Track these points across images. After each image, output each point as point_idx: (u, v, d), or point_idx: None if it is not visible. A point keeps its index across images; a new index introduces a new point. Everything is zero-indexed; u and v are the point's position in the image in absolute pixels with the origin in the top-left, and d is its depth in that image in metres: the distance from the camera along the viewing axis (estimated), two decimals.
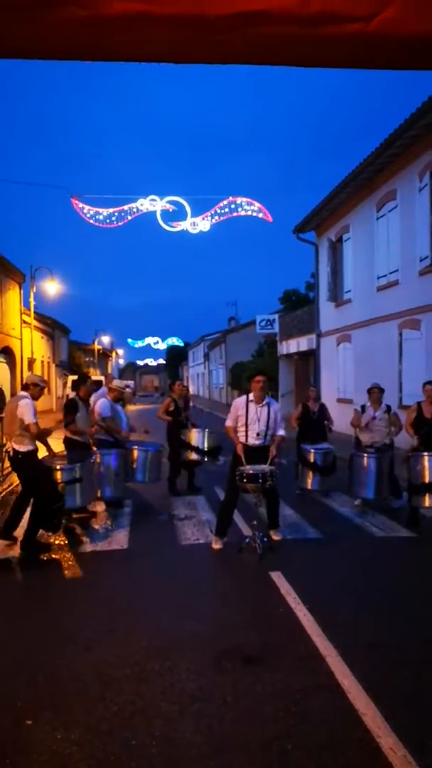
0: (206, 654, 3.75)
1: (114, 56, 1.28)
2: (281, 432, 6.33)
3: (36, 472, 6.19)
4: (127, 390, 10.79)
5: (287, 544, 6.24)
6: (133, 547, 6.29)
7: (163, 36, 1.20)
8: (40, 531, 6.12)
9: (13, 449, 6.09)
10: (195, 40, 1.22)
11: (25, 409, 6.03)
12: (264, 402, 6.23)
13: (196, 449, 8.50)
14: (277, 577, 5.14)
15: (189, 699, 3.22)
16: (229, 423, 6.36)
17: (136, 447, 7.83)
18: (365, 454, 7.63)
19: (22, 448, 6.05)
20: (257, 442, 6.16)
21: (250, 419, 6.17)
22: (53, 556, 5.96)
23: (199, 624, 4.24)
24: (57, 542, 6.36)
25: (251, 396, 6.25)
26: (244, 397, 6.36)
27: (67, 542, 6.40)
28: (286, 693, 3.25)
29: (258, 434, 6.16)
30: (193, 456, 8.59)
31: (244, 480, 5.82)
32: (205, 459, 8.62)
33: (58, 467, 6.38)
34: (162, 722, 3.00)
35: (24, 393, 6.33)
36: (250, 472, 5.83)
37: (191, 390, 10.51)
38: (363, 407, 8.19)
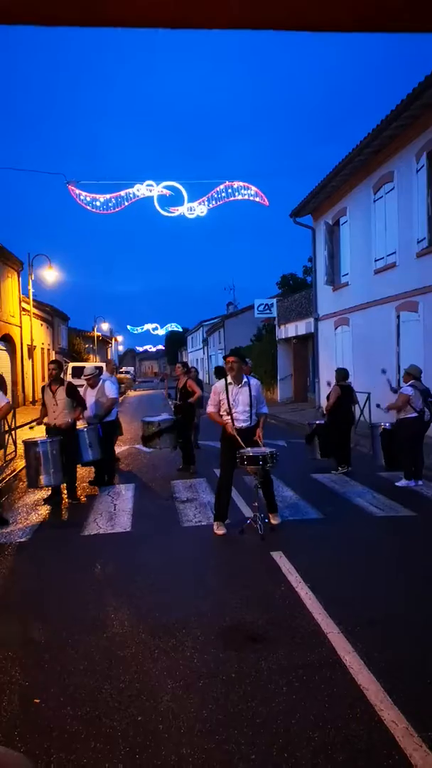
0: (210, 632, 3.80)
1: (111, 21, 1.25)
2: (264, 409, 6.36)
3: None
4: (127, 376, 11.22)
5: (288, 524, 6.30)
6: (137, 529, 6.35)
7: None
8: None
9: None
10: (195, 2, 1.19)
11: (108, 386, 6.82)
12: (243, 382, 6.22)
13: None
14: (278, 556, 5.20)
15: (194, 676, 3.28)
16: (210, 409, 6.33)
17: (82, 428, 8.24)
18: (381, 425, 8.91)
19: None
20: (243, 424, 6.15)
21: (232, 402, 6.16)
22: None
23: (203, 603, 4.30)
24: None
25: (229, 378, 6.24)
26: (222, 380, 6.33)
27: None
28: (290, 669, 3.31)
29: (241, 417, 6.16)
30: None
31: (245, 462, 5.86)
32: (157, 447, 9.05)
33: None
34: (168, 699, 3.06)
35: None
36: (250, 454, 5.86)
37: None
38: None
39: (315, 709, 2.93)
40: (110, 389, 8.64)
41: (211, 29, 1.28)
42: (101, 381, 8.67)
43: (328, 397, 9.29)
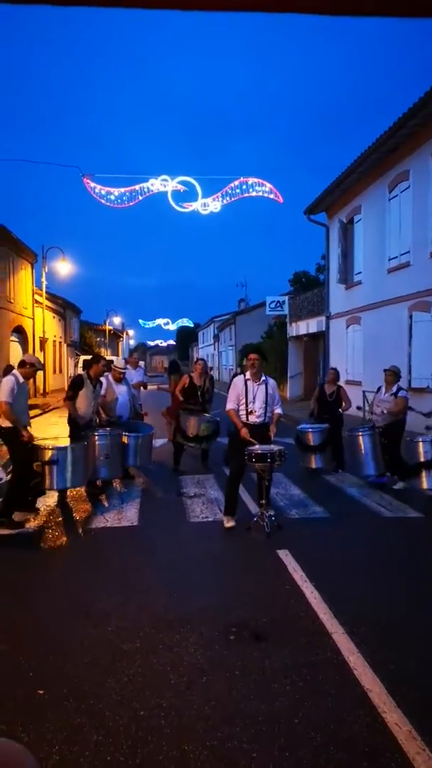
0: (215, 628, 3.81)
1: (120, 1, 1.23)
2: (279, 410, 6.40)
3: (14, 448, 6.38)
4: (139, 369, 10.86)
5: (294, 522, 6.29)
6: (144, 523, 6.37)
7: None
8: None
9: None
10: None
11: (4, 386, 6.27)
12: (261, 380, 6.27)
13: (188, 438, 8.63)
14: (284, 554, 5.19)
15: (197, 672, 3.28)
16: (230, 406, 6.32)
17: (126, 435, 7.69)
18: (359, 432, 7.84)
19: (1, 423, 6.31)
20: (257, 420, 6.24)
21: (249, 398, 6.23)
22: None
23: (208, 599, 4.30)
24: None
25: (248, 375, 6.29)
26: (241, 376, 6.41)
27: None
28: (293, 668, 3.31)
29: (256, 412, 6.22)
30: (186, 443, 8.77)
31: (253, 459, 5.85)
32: (201, 445, 8.78)
33: (40, 445, 6.44)
34: (171, 694, 3.07)
35: (15, 371, 6.52)
36: (259, 451, 5.86)
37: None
38: (378, 388, 8.53)
39: (318, 709, 2.92)
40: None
41: (228, 11, 1.26)
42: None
43: (340, 396, 9.13)
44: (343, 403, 9.03)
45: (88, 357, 8.97)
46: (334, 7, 1.30)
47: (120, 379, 8.40)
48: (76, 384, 7.45)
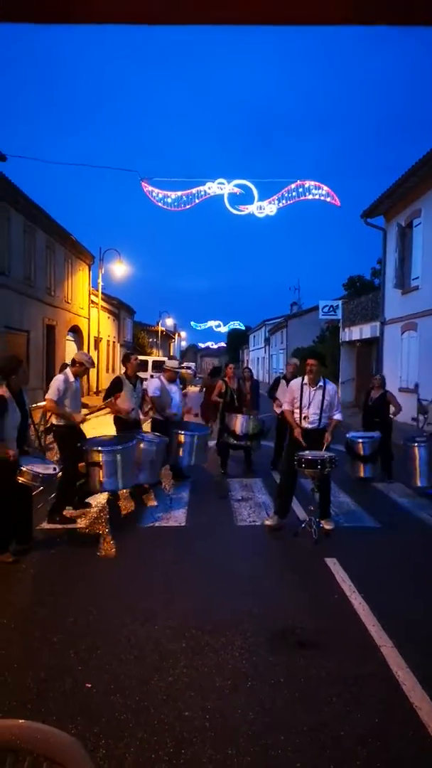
0: (260, 634, 3.79)
1: (191, 18, 1.25)
2: (338, 416, 6.28)
3: (64, 445, 6.52)
4: (188, 371, 10.96)
5: (343, 531, 6.19)
6: (191, 524, 6.40)
7: None
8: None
9: (51, 422, 6.59)
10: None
11: (51, 386, 6.45)
12: (318, 385, 6.20)
13: (237, 436, 8.56)
14: (332, 563, 5.12)
15: (242, 677, 3.27)
16: (286, 407, 6.40)
17: (182, 432, 7.80)
18: (415, 443, 7.55)
19: (54, 421, 6.60)
20: (311, 426, 6.17)
21: (304, 402, 6.20)
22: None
23: (254, 604, 4.28)
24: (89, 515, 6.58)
25: (305, 379, 6.25)
26: (299, 379, 6.38)
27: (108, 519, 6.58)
28: (340, 679, 3.26)
29: (309, 417, 6.17)
30: (234, 442, 8.68)
31: (303, 465, 5.80)
32: (248, 444, 8.67)
33: (85, 447, 6.39)
34: (215, 697, 3.07)
35: (67, 370, 6.64)
36: (309, 457, 5.80)
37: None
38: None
39: (364, 723, 2.87)
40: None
41: (308, 25, 1.27)
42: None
43: (386, 401, 8.91)
44: (392, 407, 8.83)
45: (143, 357, 9.11)
46: (343, 17, 1.29)
47: (173, 379, 8.51)
48: (115, 386, 7.56)
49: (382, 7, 1.27)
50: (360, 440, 8.18)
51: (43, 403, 6.40)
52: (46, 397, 6.42)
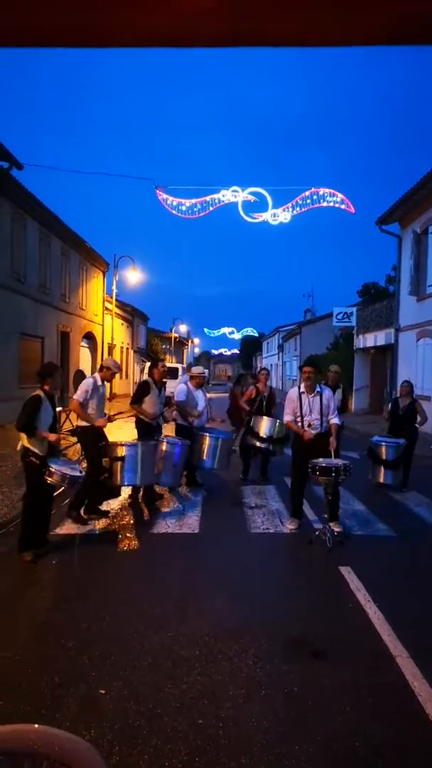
0: (274, 642, 3.77)
1: (245, 41, 1.28)
2: (335, 420, 6.38)
3: (88, 445, 6.71)
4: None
5: (357, 539, 6.15)
6: (204, 531, 6.40)
7: (296, 16, 1.19)
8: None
9: (77, 423, 6.85)
10: (332, 20, 1.21)
11: (80, 387, 6.68)
12: (315, 391, 6.35)
13: (261, 438, 8.50)
14: (346, 572, 5.09)
15: (256, 685, 3.26)
16: (288, 418, 6.49)
17: (207, 434, 7.93)
18: None
19: (80, 423, 6.73)
20: (314, 431, 6.28)
21: (304, 410, 6.32)
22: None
23: (267, 612, 4.27)
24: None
25: (302, 387, 6.39)
26: (295, 388, 6.52)
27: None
28: (354, 689, 3.23)
29: (312, 423, 6.30)
30: (258, 444, 8.58)
31: (317, 473, 5.79)
32: (270, 448, 8.60)
33: (106, 443, 6.63)
34: (229, 705, 3.06)
35: (96, 374, 6.93)
36: (323, 465, 5.78)
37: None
38: None
39: (379, 734, 2.84)
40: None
41: (344, 47, 1.29)
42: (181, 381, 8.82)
43: (414, 410, 8.82)
44: (418, 417, 8.74)
45: (150, 363, 9.22)
46: (344, 39, 1.31)
47: (200, 384, 8.59)
48: (143, 390, 7.63)
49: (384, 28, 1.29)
50: (384, 444, 8.13)
51: (59, 409, 6.57)
52: (73, 398, 6.63)
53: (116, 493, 7.10)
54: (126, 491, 7.66)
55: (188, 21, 1.25)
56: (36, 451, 5.30)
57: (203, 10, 1.21)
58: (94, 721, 2.90)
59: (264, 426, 8.49)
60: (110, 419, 6.88)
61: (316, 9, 1.19)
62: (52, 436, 5.39)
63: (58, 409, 6.43)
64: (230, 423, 10.61)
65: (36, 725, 1.35)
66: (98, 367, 7.11)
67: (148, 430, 7.55)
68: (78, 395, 6.57)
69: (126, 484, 6.70)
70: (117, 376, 7.49)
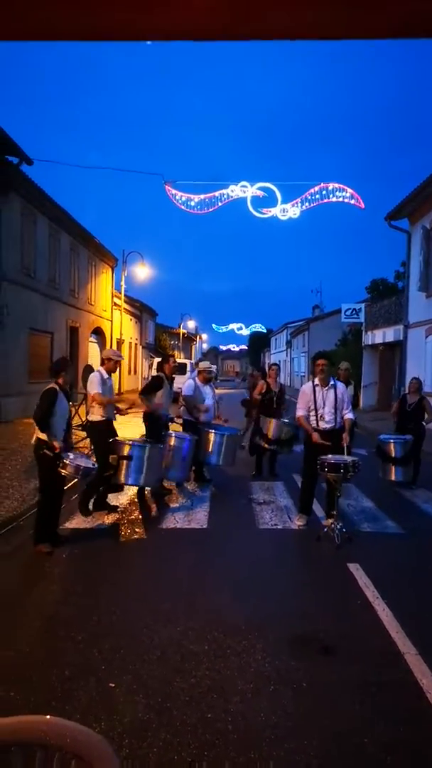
0: (283, 638, 3.78)
1: (247, 34, 1.28)
2: (350, 415, 6.35)
3: (99, 440, 6.81)
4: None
5: (366, 536, 6.14)
6: (212, 527, 6.41)
7: (308, 11, 1.20)
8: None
9: (87, 418, 6.97)
10: (340, 15, 1.21)
11: (91, 382, 6.78)
12: (329, 384, 6.32)
13: (269, 440, 8.52)
14: (355, 568, 5.08)
15: (265, 680, 3.27)
16: (300, 413, 6.45)
17: (212, 431, 7.93)
18: None
19: (90, 417, 6.88)
20: (327, 426, 6.27)
21: (318, 403, 6.29)
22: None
23: (276, 608, 4.28)
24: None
25: (316, 380, 6.36)
26: (309, 382, 6.50)
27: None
28: (362, 686, 3.23)
29: (326, 417, 6.28)
30: (266, 445, 8.64)
31: (326, 469, 5.78)
32: (277, 448, 8.63)
33: (115, 440, 6.65)
34: (238, 700, 3.07)
35: (100, 368, 6.99)
36: (332, 461, 5.77)
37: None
38: None
39: (388, 731, 2.84)
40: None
41: (349, 39, 1.29)
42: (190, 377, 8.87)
43: (422, 407, 8.76)
44: (426, 414, 8.70)
45: (160, 358, 9.25)
46: (346, 32, 1.31)
47: (208, 380, 8.64)
48: (156, 384, 7.67)
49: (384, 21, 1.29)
50: (392, 441, 8.13)
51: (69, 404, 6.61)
52: (92, 392, 6.71)
53: (119, 488, 7.14)
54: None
55: (192, 14, 1.25)
56: (53, 443, 5.32)
57: (207, 3, 1.21)
58: (104, 714, 2.92)
59: (271, 429, 8.51)
60: (123, 412, 6.96)
61: (317, 2, 1.19)
62: (57, 444, 5.34)
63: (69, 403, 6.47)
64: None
65: (48, 716, 1.36)
66: (100, 361, 7.16)
67: (156, 425, 7.57)
68: (94, 388, 6.68)
69: (130, 483, 6.69)
70: (125, 371, 7.55)
